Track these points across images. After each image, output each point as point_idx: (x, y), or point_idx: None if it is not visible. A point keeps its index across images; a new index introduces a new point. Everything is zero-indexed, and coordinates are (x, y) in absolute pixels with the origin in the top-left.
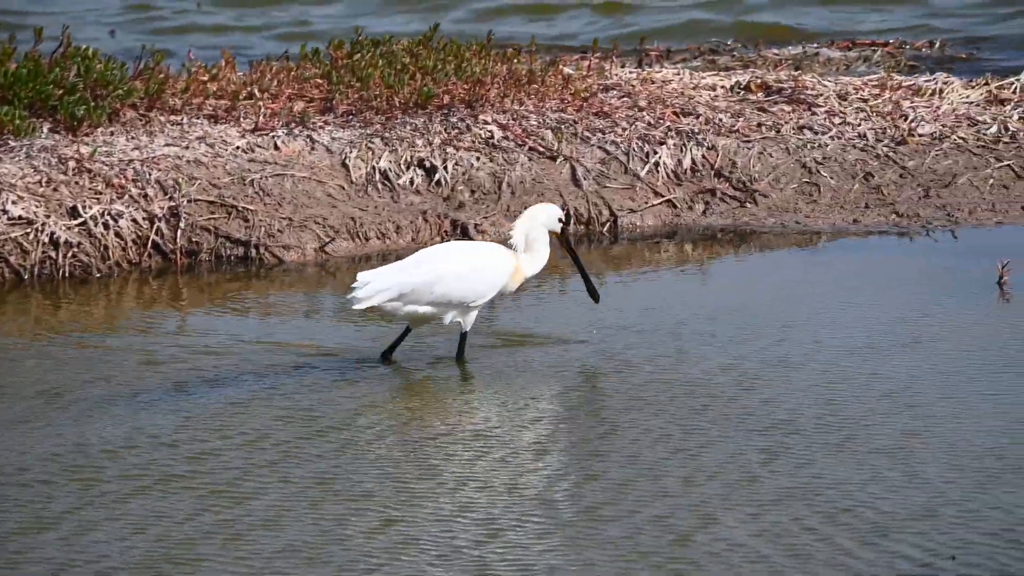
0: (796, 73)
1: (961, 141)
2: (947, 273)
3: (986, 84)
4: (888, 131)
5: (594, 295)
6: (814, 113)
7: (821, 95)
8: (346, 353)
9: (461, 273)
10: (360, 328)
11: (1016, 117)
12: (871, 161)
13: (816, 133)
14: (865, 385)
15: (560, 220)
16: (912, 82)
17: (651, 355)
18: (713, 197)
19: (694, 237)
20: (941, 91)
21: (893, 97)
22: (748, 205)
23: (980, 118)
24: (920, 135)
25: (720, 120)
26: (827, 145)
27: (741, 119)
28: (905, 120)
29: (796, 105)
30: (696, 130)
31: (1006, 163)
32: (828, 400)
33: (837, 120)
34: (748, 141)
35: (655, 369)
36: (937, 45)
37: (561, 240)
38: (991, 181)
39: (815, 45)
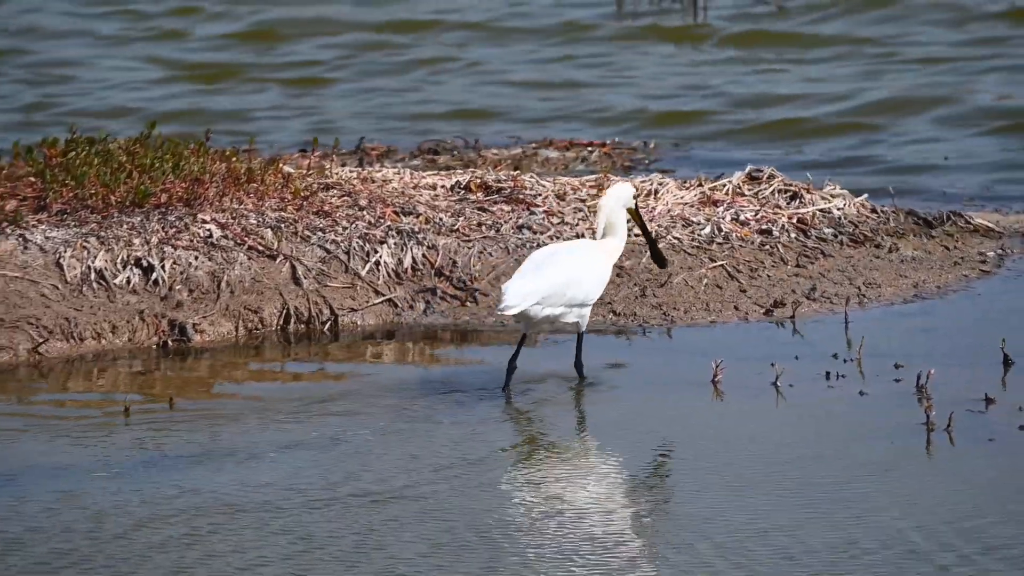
0: (515, 173)
1: (676, 241)
2: (663, 371)
3: (700, 185)
4: None
5: (660, 261)
6: (533, 213)
7: (540, 195)
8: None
9: (585, 273)
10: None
11: (729, 218)
12: None
13: (535, 232)
14: (590, 483)
15: (634, 197)
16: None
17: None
18: (434, 296)
19: (415, 336)
20: (656, 191)
21: None
22: (469, 304)
23: (694, 219)
24: (636, 235)
25: (441, 219)
26: (546, 244)
27: (461, 218)
28: None
29: (515, 204)
30: (416, 229)
31: (719, 263)
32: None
33: (555, 220)
34: (468, 240)
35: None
36: (652, 145)
37: (634, 215)
38: (705, 281)
39: (533, 145)
